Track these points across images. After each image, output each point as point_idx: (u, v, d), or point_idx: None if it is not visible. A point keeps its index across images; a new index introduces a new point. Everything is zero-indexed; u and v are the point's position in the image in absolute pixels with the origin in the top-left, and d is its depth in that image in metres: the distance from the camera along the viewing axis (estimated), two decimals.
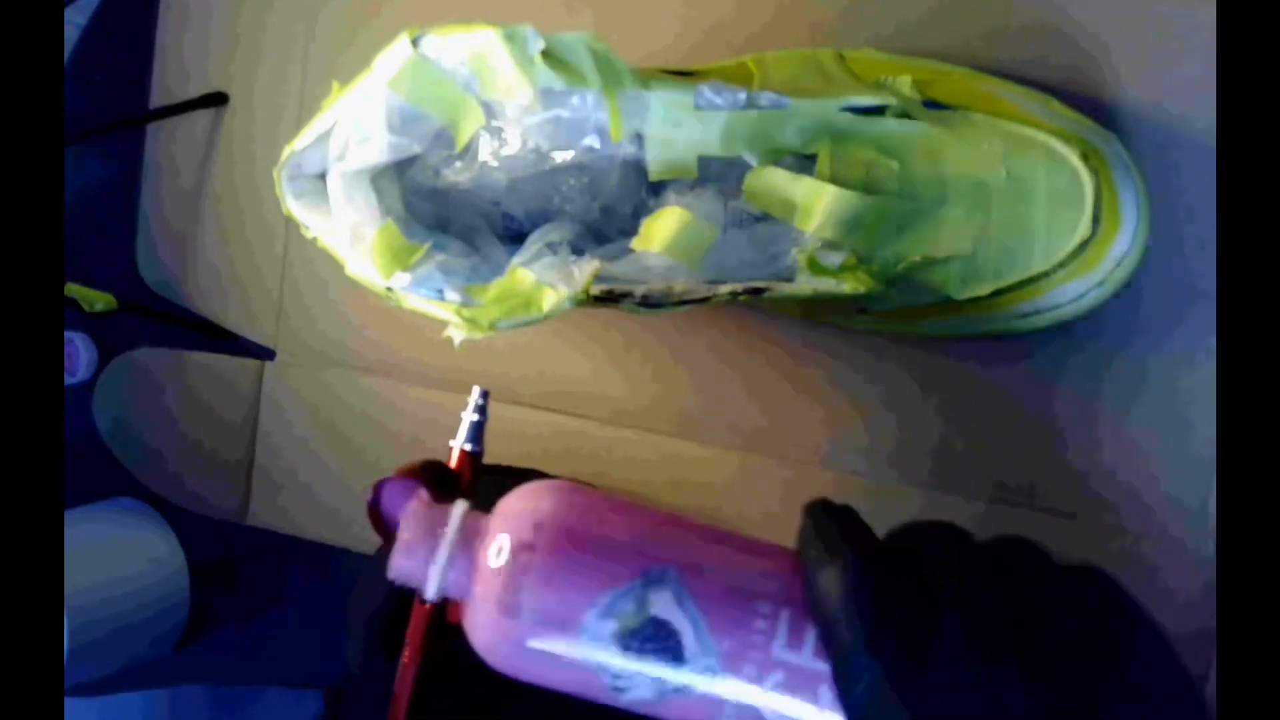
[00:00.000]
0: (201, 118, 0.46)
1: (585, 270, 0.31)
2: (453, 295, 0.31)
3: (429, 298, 0.31)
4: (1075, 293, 0.31)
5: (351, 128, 0.32)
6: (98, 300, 0.46)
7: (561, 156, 0.33)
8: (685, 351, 0.39)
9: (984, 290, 0.32)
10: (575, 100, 0.31)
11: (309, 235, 0.33)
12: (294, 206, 0.33)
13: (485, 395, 0.32)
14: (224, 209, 0.46)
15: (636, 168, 0.34)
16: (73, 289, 0.45)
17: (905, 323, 0.34)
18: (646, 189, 0.35)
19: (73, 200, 0.47)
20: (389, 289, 0.31)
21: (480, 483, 0.29)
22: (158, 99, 0.47)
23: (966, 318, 0.33)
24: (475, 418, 0.31)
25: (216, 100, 0.45)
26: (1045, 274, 0.31)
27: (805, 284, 0.31)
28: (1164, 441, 0.34)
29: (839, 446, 0.38)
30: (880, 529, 0.37)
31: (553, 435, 0.41)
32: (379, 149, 0.31)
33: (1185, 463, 0.34)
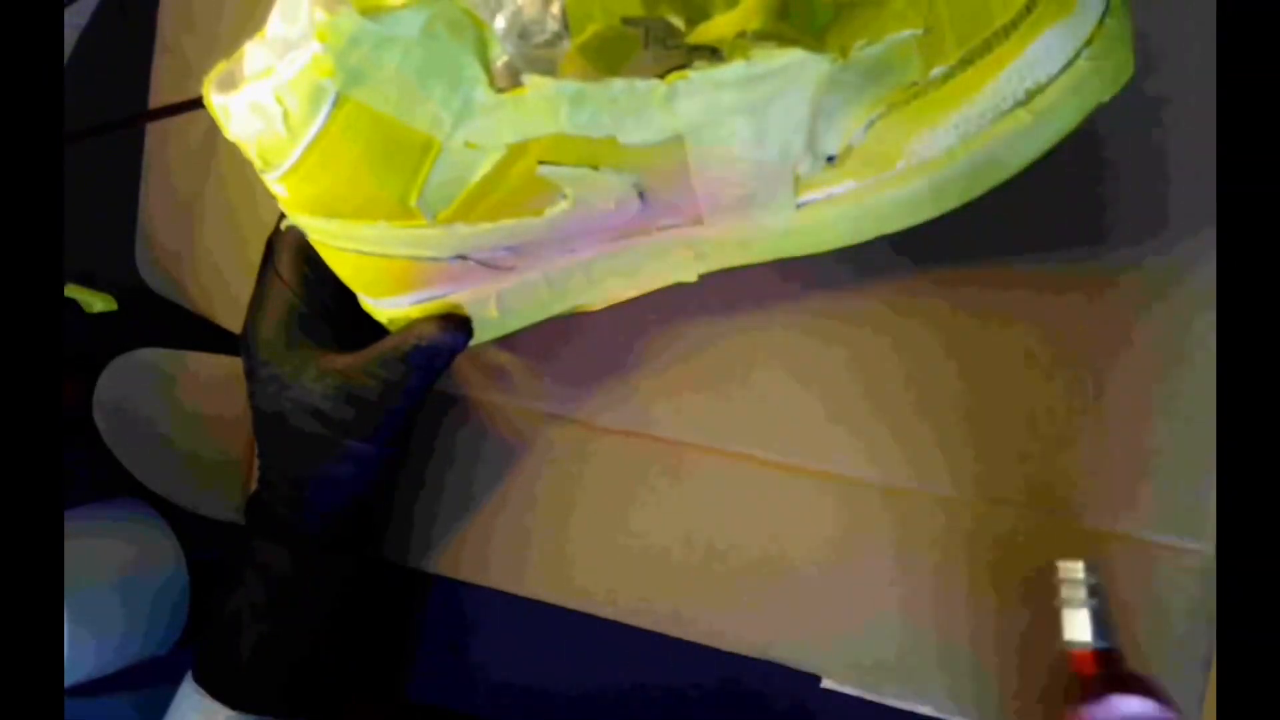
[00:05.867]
0: (201, 118, 0.46)
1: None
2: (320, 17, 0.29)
3: (300, 50, 0.29)
4: (1059, 48, 0.29)
5: (279, 17, 0.31)
6: (97, 300, 0.46)
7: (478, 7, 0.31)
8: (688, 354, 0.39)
9: (951, 60, 0.29)
10: None
11: (220, 119, 0.32)
12: (214, 98, 0.32)
13: (1093, 569, 0.28)
14: (224, 209, 0.46)
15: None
16: (73, 289, 0.45)
17: (884, 165, 0.31)
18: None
19: (73, 200, 0.47)
20: (276, 78, 0.29)
21: None
22: (158, 99, 0.47)
23: (950, 118, 0.30)
24: (1093, 602, 0.28)
25: None
26: (1013, 23, 0.28)
27: (735, 68, 0.28)
28: (1164, 441, 0.34)
29: (840, 445, 0.37)
30: (885, 531, 0.37)
31: (556, 443, 0.41)
32: (303, 30, 0.31)
33: (1185, 462, 0.34)
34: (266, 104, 0.29)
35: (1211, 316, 0.34)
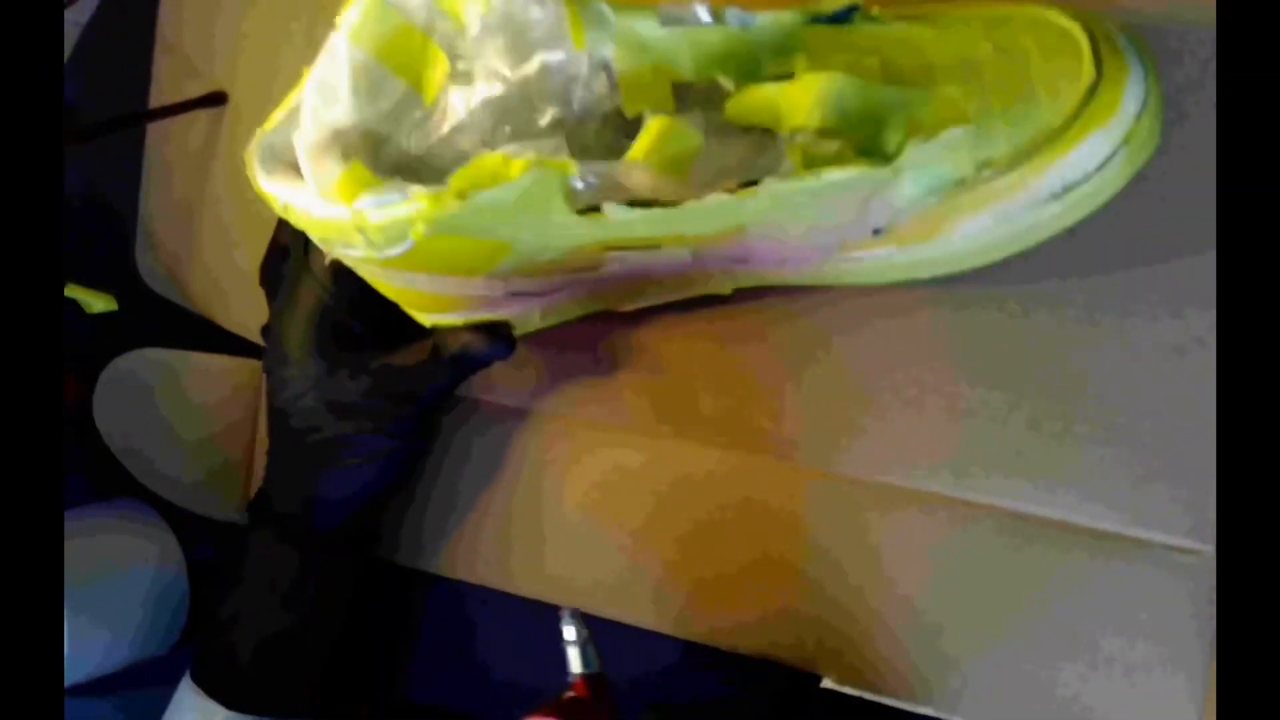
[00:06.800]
0: (201, 118, 0.46)
1: (559, 155, 0.30)
2: (417, 188, 0.30)
3: (393, 203, 0.30)
4: (1099, 150, 0.30)
5: (317, 93, 0.31)
6: (97, 300, 0.46)
7: (526, 70, 0.32)
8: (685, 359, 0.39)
9: (1000, 165, 0.30)
10: (536, 13, 0.31)
11: (278, 208, 0.32)
12: (264, 183, 0.32)
13: (575, 614, 0.34)
14: (224, 209, 0.46)
15: (615, 118, 0.33)
16: (73, 289, 0.45)
17: (925, 239, 0.33)
18: (625, 134, 0.34)
19: (73, 200, 0.47)
20: (357, 211, 0.30)
21: None
22: (158, 99, 0.47)
23: (992, 210, 0.32)
24: (577, 637, 0.34)
25: (216, 100, 0.45)
26: (1061, 128, 0.30)
27: (803, 181, 0.30)
28: (1164, 441, 0.34)
29: (839, 444, 0.37)
30: (885, 531, 0.37)
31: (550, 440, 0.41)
32: (345, 111, 0.31)
33: (1185, 462, 0.34)
34: (343, 219, 0.30)
35: (1211, 316, 0.34)
